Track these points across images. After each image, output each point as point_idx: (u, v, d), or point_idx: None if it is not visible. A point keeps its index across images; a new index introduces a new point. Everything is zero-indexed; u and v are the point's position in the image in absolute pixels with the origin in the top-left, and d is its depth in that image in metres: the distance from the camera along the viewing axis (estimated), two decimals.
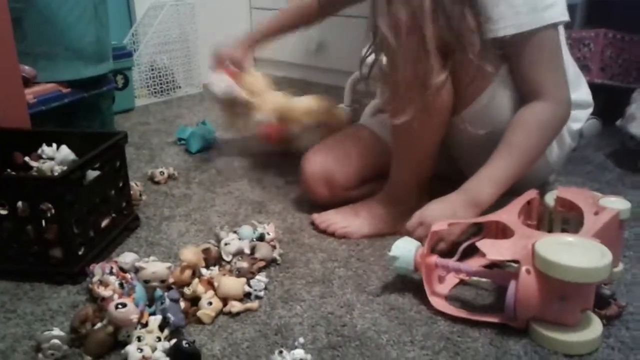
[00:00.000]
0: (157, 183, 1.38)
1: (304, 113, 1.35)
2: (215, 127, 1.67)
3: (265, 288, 0.94)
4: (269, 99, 1.35)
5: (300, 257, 1.05)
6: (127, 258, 0.96)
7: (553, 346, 0.80)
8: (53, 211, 0.97)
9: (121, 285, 0.88)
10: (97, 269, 0.93)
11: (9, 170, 1.15)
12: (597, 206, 0.92)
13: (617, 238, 0.93)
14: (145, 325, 0.82)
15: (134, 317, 0.81)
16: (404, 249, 0.92)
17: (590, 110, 1.19)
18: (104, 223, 1.07)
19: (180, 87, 2.18)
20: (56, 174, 1.06)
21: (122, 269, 0.94)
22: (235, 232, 1.05)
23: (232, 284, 0.91)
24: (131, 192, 1.18)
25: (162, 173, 1.39)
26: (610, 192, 1.02)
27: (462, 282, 0.95)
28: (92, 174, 1.05)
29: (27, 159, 1.13)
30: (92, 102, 1.48)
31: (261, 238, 1.04)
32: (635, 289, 0.93)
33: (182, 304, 0.88)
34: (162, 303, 0.86)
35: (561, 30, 1.05)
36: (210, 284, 0.91)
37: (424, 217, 0.98)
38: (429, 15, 0.92)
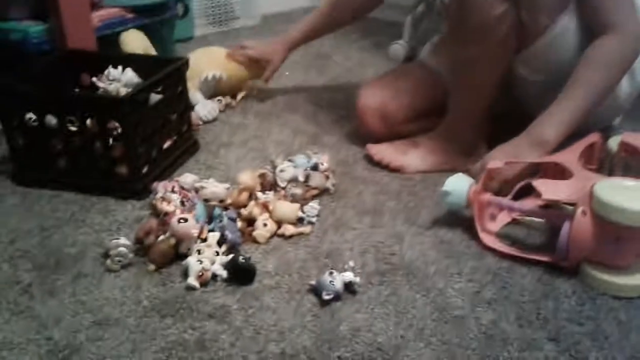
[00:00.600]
0: None
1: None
2: None
3: (318, 215, 0.97)
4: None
5: (352, 188, 1.07)
6: (187, 178, 1.01)
7: (603, 288, 0.80)
8: (119, 130, 1.01)
9: (182, 203, 0.93)
10: (160, 187, 0.97)
11: (76, 90, 1.20)
12: None
13: None
14: (205, 240, 0.87)
15: (195, 231, 0.85)
16: (457, 184, 0.92)
17: None
18: (166, 144, 1.11)
19: (238, 17, 2.18)
20: (122, 95, 1.10)
21: (182, 188, 0.98)
22: (290, 160, 1.07)
23: (287, 208, 0.94)
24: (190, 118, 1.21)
25: (219, 101, 1.41)
26: None
27: (513, 221, 0.95)
28: (155, 97, 1.08)
29: (94, 79, 1.17)
30: (154, 29, 1.50)
31: (315, 167, 1.06)
32: None
33: (239, 224, 0.92)
34: (220, 221, 0.90)
35: None
36: (265, 207, 0.94)
37: (487, 160, 0.97)
38: None
